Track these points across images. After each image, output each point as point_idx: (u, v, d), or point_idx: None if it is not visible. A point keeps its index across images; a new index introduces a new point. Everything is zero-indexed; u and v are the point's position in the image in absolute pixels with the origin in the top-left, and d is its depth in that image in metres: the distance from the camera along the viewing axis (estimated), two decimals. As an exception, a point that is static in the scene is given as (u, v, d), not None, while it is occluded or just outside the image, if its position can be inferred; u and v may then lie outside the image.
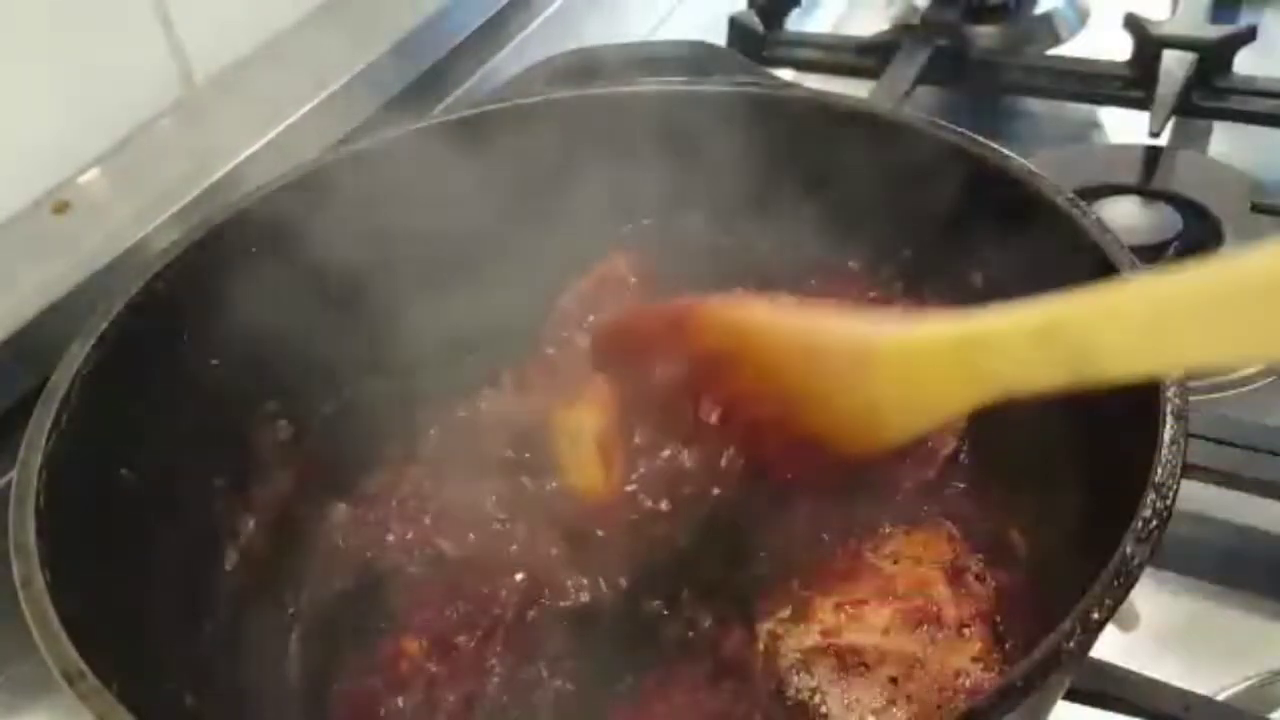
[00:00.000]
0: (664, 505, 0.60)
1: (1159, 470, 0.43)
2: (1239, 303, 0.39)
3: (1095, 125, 1.09)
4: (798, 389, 0.49)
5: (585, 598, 0.59)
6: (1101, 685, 0.56)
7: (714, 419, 0.53)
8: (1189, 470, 0.44)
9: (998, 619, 0.55)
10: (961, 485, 0.61)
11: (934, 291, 0.64)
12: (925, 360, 0.46)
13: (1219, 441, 0.68)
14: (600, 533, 0.60)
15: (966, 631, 0.53)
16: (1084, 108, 1.09)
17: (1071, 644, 0.39)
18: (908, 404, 0.47)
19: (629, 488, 0.60)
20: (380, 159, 0.67)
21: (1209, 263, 0.39)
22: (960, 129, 0.62)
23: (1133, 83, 1.01)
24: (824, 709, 0.51)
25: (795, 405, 0.49)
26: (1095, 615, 0.39)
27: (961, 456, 0.62)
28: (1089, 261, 0.53)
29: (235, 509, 0.61)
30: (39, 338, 0.67)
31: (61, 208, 0.74)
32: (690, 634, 0.58)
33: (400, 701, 0.56)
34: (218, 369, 0.61)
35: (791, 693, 0.53)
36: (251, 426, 0.64)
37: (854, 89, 1.02)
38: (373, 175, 0.66)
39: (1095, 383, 0.41)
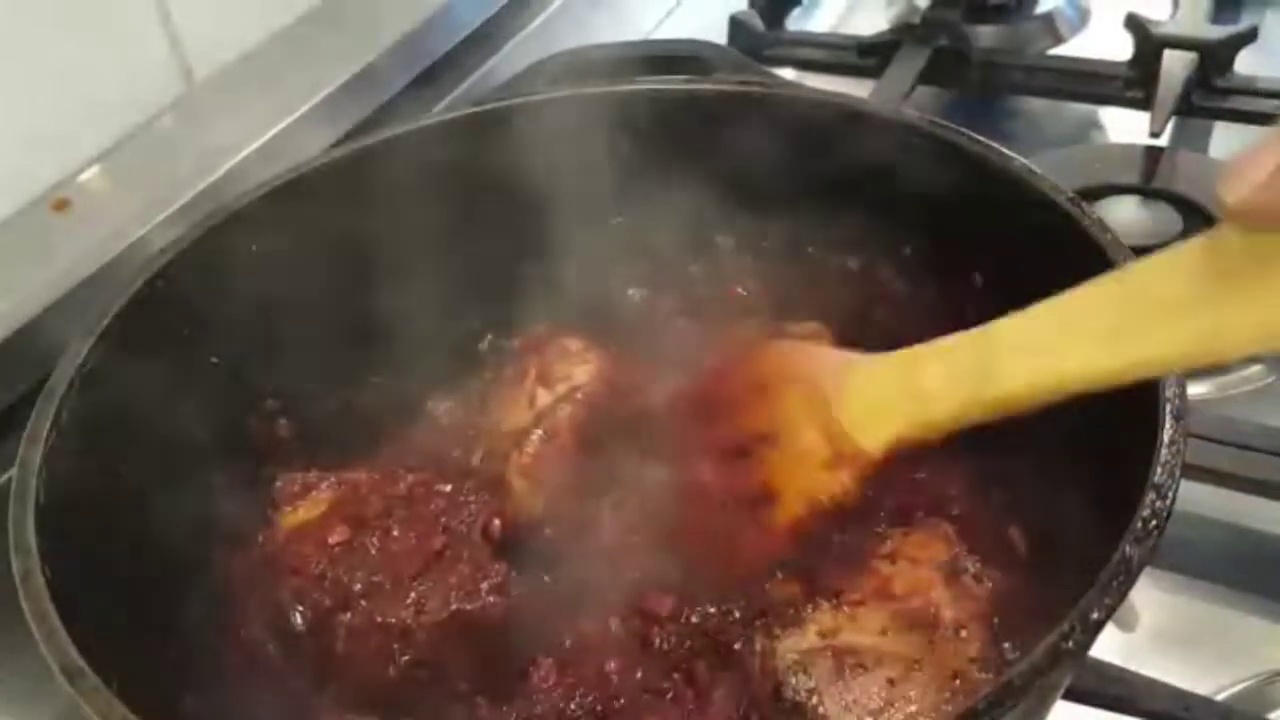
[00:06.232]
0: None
1: (1158, 470, 0.43)
2: (1119, 313, 0.43)
3: (1095, 125, 1.09)
4: (789, 415, 0.56)
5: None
6: (1101, 685, 0.56)
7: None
8: (1188, 470, 0.44)
9: (995, 620, 0.54)
10: (959, 486, 0.61)
11: (934, 291, 0.64)
12: (880, 377, 0.53)
13: (1219, 441, 0.68)
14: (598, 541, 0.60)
15: (964, 632, 0.53)
16: (1084, 108, 1.09)
17: (1070, 643, 0.39)
18: (866, 421, 0.53)
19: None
20: (380, 157, 0.66)
21: (1100, 278, 0.44)
22: (961, 129, 0.62)
23: (1133, 83, 1.01)
24: (821, 710, 0.51)
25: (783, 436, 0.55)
26: (1094, 615, 0.39)
27: (960, 457, 0.62)
28: (1089, 261, 0.53)
29: (234, 506, 0.61)
30: (39, 335, 0.67)
31: (61, 205, 0.74)
32: (688, 635, 0.58)
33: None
34: (217, 366, 0.61)
35: (789, 693, 0.52)
36: (251, 424, 0.64)
37: (855, 88, 1.02)
38: (373, 173, 0.66)
39: (999, 405, 0.47)
